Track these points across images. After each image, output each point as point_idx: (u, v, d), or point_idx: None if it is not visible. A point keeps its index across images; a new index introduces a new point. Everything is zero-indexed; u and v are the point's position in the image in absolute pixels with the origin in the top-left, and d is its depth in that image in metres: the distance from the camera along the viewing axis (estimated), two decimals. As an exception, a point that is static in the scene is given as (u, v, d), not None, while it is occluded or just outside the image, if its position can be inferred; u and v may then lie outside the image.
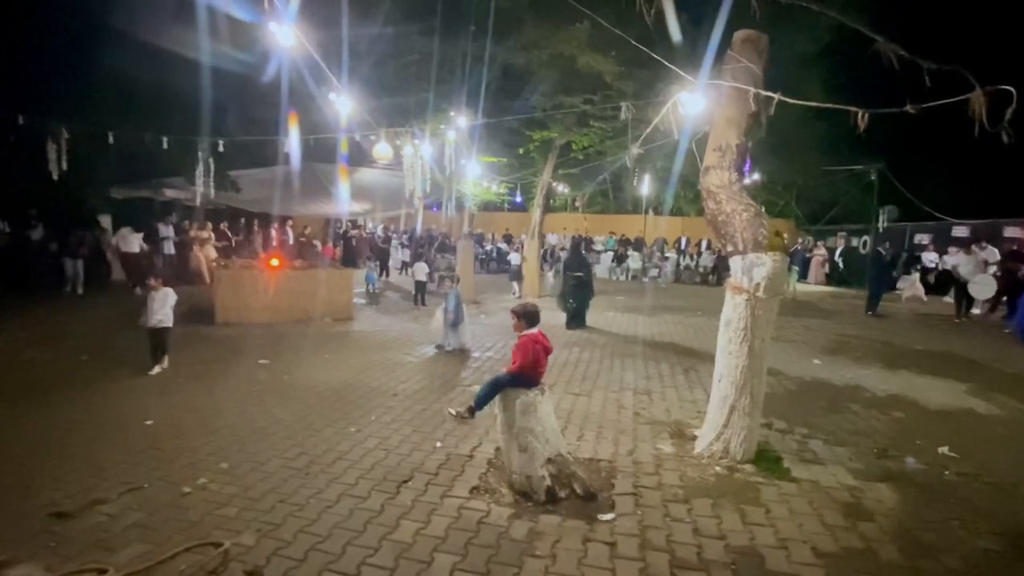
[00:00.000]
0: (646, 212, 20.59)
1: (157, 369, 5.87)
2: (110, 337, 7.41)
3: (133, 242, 11.97)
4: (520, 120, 11.18)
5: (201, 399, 5.08)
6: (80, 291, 11.00)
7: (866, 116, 3.61)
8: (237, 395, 5.25)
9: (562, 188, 18.41)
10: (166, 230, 12.86)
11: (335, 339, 8.05)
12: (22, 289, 10.38)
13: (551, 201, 15.87)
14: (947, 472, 4.05)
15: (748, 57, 4.28)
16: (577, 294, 9.44)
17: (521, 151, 13.48)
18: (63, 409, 4.64)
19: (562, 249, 21.61)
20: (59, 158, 8.03)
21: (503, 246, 21.14)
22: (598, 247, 22.46)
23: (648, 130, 5.75)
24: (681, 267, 19.12)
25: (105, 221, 12.84)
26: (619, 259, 19.29)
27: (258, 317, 8.77)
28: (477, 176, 12.39)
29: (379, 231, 21.79)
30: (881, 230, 16.64)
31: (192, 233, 13.31)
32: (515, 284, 13.76)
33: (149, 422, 4.45)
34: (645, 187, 13.55)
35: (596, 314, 11.04)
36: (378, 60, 9.47)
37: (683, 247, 20.51)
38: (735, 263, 4.01)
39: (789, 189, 20.64)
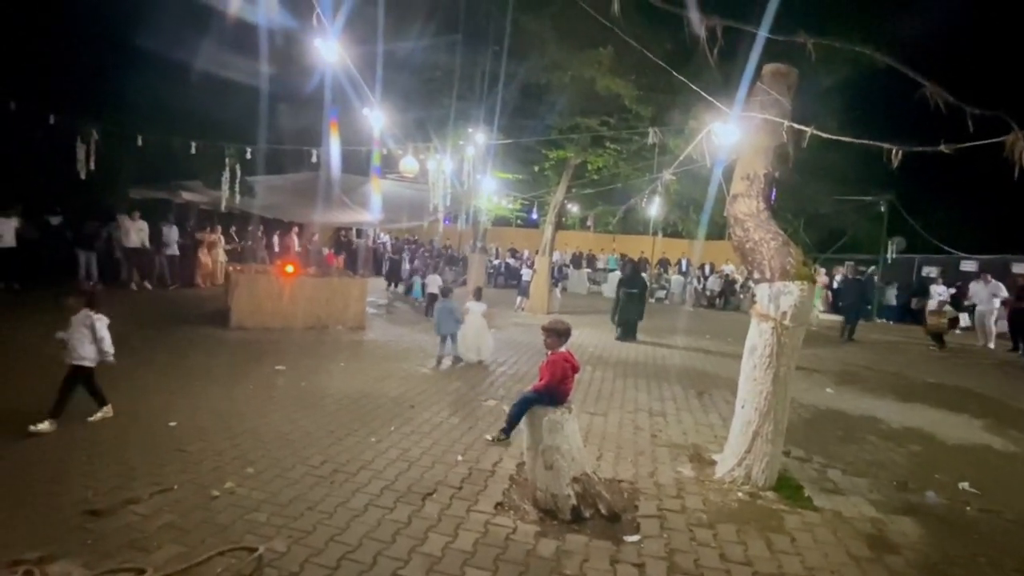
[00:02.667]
0: (654, 234, 20.72)
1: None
2: (126, 336, 7.41)
3: (133, 237, 11.86)
4: (536, 139, 11.35)
5: (221, 402, 5.11)
6: (92, 282, 11.07)
7: (899, 153, 3.70)
8: (256, 400, 5.28)
9: (572, 207, 18.58)
10: (168, 231, 12.91)
11: (349, 347, 8.09)
12: (38, 280, 10.47)
13: (563, 219, 15.99)
14: (969, 508, 4.05)
15: (777, 90, 4.40)
16: (632, 309, 10.51)
17: (536, 168, 13.65)
18: (89, 407, 4.66)
19: (565, 266, 21.75)
20: (87, 158, 8.16)
21: (511, 261, 21.27)
22: (600, 264, 22.59)
23: (681, 157, 5.85)
24: (687, 289, 19.17)
25: (122, 219, 12.95)
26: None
27: (272, 322, 8.82)
28: (492, 191, 12.53)
29: (388, 241, 21.95)
30: (889, 261, 16.73)
31: (200, 236, 13.43)
32: (519, 299, 13.83)
33: (172, 423, 4.48)
34: (656, 209, 13.70)
35: (606, 335, 11.09)
36: (404, 75, 9.67)
37: (684, 268, 20.59)
38: (762, 290, 4.07)
39: (798, 216, 20.77)
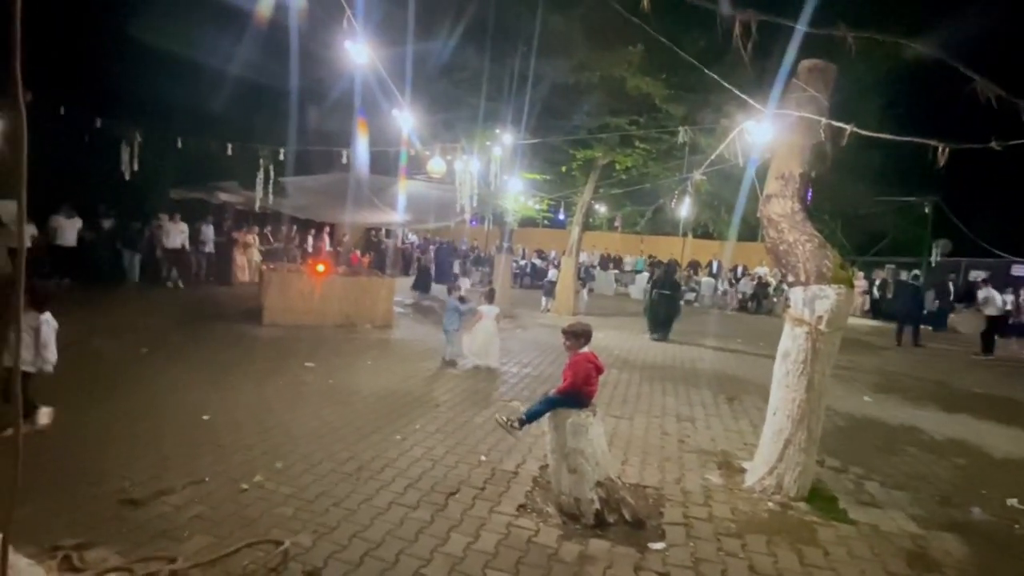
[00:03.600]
0: (684, 235, 20.36)
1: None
2: (166, 332, 7.73)
3: (176, 237, 12.43)
4: (564, 139, 11.28)
5: (253, 397, 5.24)
6: (136, 281, 11.59)
7: (946, 151, 3.52)
8: (287, 395, 5.39)
9: (599, 207, 18.43)
10: (206, 230, 13.41)
11: (376, 346, 8.19)
12: (89, 279, 11.01)
13: (590, 220, 15.87)
14: (1017, 526, 3.83)
15: (814, 86, 4.25)
16: (665, 309, 10.82)
17: (563, 169, 13.57)
18: (128, 400, 4.86)
19: (592, 267, 21.58)
20: (131, 160, 8.50)
21: (537, 261, 21.23)
22: (627, 266, 22.31)
23: (713, 156, 5.72)
24: (718, 292, 18.77)
25: (163, 220, 13.46)
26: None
27: (302, 320, 9.00)
28: (519, 192, 12.52)
29: (416, 241, 22.20)
30: (934, 264, 16.03)
31: (237, 235, 13.86)
32: (545, 300, 13.78)
33: (206, 417, 4.61)
34: (685, 210, 13.42)
35: (633, 337, 10.95)
36: (431, 76, 9.75)
37: (715, 271, 20.16)
38: (796, 294, 3.93)
39: (835, 217, 20.11)
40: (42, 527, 2.78)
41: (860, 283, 17.98)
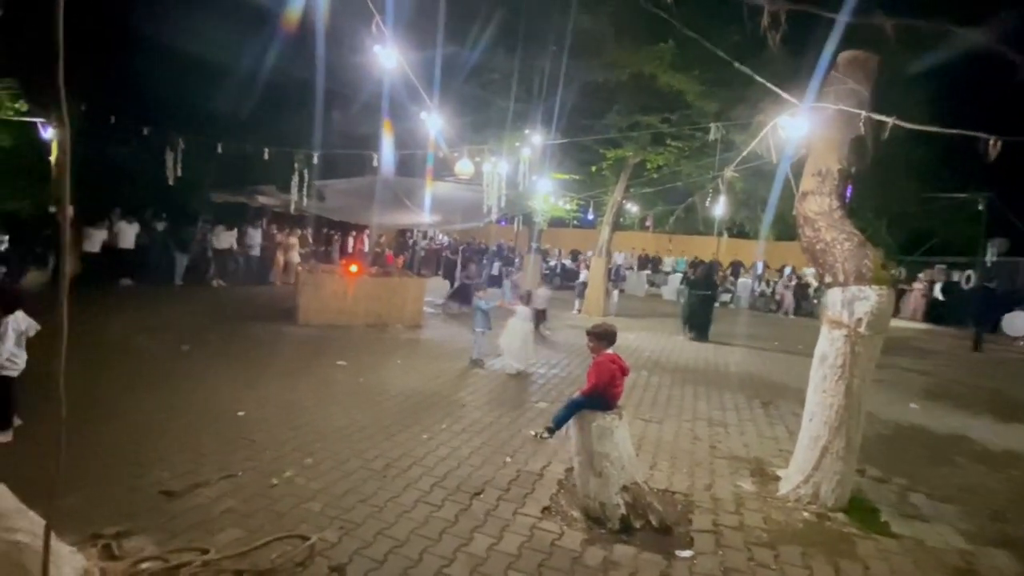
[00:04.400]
0: (719, 234, 19.84)
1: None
2: (206, 330, 8.02)
3: (225, 240, 13.08)
4: (594, 138, 11.18)
5: (286, 395, 5.37)
6: (179, 282, 12.11)
7: (998, 144, 3.31)
8: (318, 393, 5.51)
9: (631, 207, 18.15)
10: (255, 233, 13.92)
11: (406, 345, 8.29)
12: (146, 279, 11.66)
13: (620, 219, 15.67)
14: (1081, 546, 3.56)
15: (855, 78, 4.08)
16: (703, 310, 10.85)
17: (594, 169, 13.45)
18: (168, 395, 5.06)
19: (628, 268, 21.28)
20: (175, 165, 8.88)
21: (567, 262, 21.10)
22: (666, 267, 21.89)
23: (745, 152, 5.56)
24: (756, 293, 18.23)
25: (209, 226, 14.03)
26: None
27: (335, 319, 9.20)
28: (548, 192, 12.47)
29: (446, 241, 22.41)
30: (989, 264, 15.14)
31: (280, 238, 14.33)
32: (577, 301, 13.68)
33: (241, 413, 4.76)
34: (720, 208, 13.07)
35: (664, 338, 10.76)
36: (460, 79, 9.82)
37: (760, 272, 19.56)
38: (834, 295, 3.77)
39: (880, 216, 19.23)
40: (85, 516, 2.91)
41: (918, 286, 17.14)
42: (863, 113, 3.75)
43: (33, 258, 10.96)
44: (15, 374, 3.90)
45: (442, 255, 19.04)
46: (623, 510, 3.34)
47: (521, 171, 10.07)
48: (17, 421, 3.96)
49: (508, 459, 4.25)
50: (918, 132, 3.90)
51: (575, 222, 20.62)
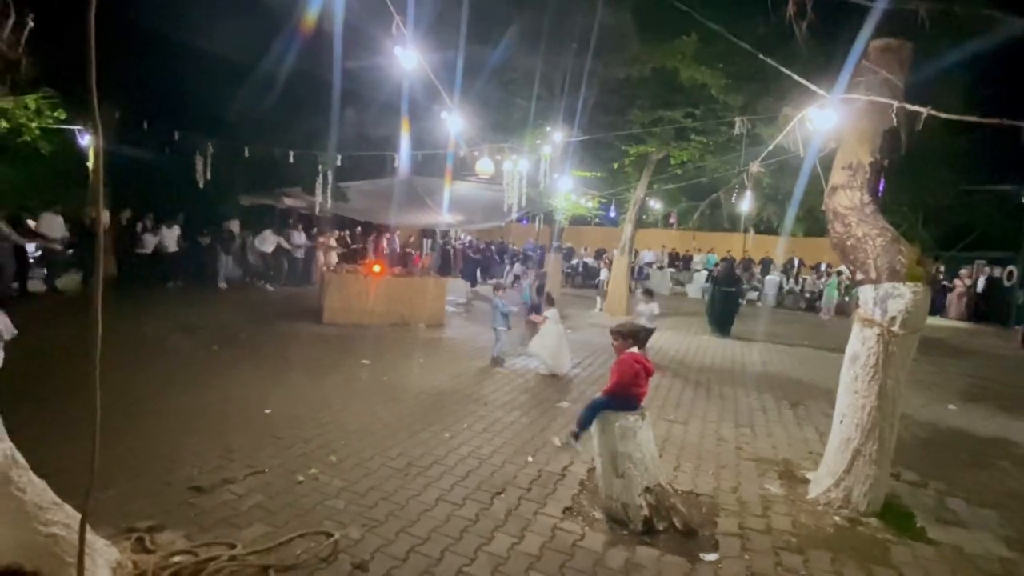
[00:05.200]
0: (745, 231, 19.42)
1: None
2: (236, 330, 8.22)
3: (270, 243, 13.46)
4: (616, 134, 11.05)
5: (312, 393, 5.47)
6: (223, 285, 12.54)
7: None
8: (343, 392, 5.59)
9: (654, 203, 17.92)
10: (299, 236, 14.29)
11: (429, 345, 8.35)
12: (190, 281, 12.18)
13: (643, 216, 15.47)
14: None
15: (887, 67, 3.92)
16: (725, 307, 10.95)
17: (616, 165, 13.30)
18: (198, 393, 5.20)
19: (659, 267, 21.02)
20: (204, 169, 9.12)
21: (589, 260, 20.93)
22: (697, 264, 21.50)
23: (771, 146, 5.42)
24: (784, 291, 17.79)
25: (234, 225, 14.41)
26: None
27: (359, 319, 9.33)
28: (569, 190, 12.39)
29: (469, 242, 22.49)
30: (1033, 260, 14.47)
31: (320, 239, 14.67)
32: (598, 299, 13.59)
33: (268, 411, 4.86)
34: (746, 204, 12.76)
35: (689, 337, 10.60)
36: (481, 77, 9.84)
37: (795, 269, 19.04)
38: (866, 292, 3.65)
39: (915, 210, 18.53)
40: (119, 510, 3.01)
41: (959, 283, 16.45)
42: (895, 103, 3.61)
43: (69, 261, 11.41)
44: None
45: (465, 254, 19.14)
46: (646, 512, 3.29)
47: (542, 169, 10.04)
48: None
49: (529, 459, 4.24)
50: (956, 122, 3.73)
51: (597, 220, 20.44)
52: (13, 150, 9.64)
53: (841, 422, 3.75)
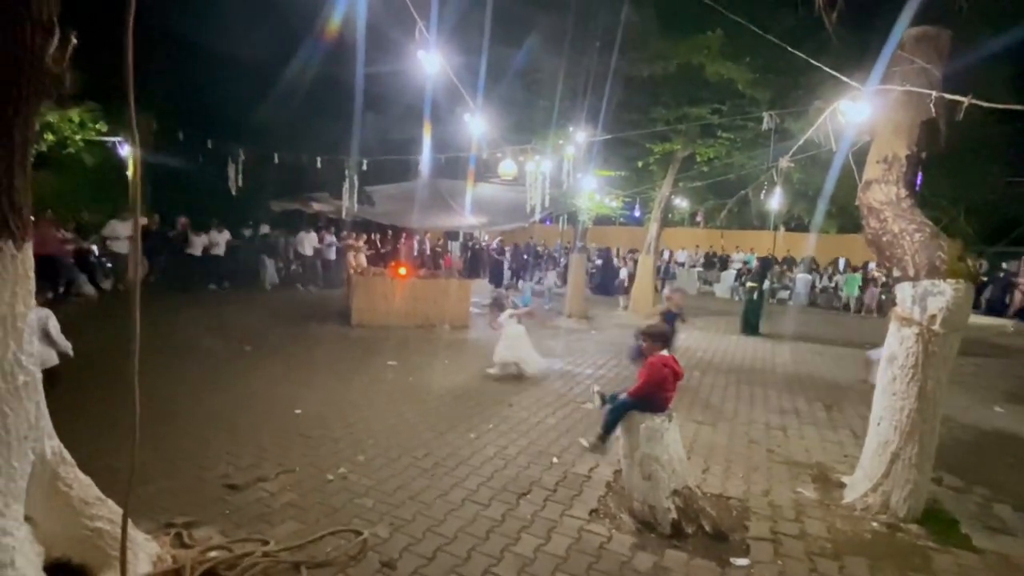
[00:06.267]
0: (776, 228, 18.93)
1: None
2: (267, 331, 8.44)
3: (308, 246, 13.86)
4: (640, 133, 10.94)
5: (340, 393, 5.57)
6: (268, 287, 13.01)
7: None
8: (370, 392, 5.68)
9: (679, 202, 17.63)
10: (331, 238, 14.65)
11: (453, 346, 8.41)
12: (237, 283, 12.66)
13: (669, 215, 15.24)
14: None
15: (924, 57, 3.78)
16: (758, 306, 11.12)
17: (640, 164, 13.16)
18: (231, 393, 5.35)
19: (694, 266, 20.72)
20: (236, 175, 9.40)
21: (615, 261, 20.72)
22: (735, 264, 21.01)
23: (801, 141, 5.28)
24: (817, 289, 17.30)
25: (265, 229, 14.82)
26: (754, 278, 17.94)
27: (386, 320, 9.45)
28: (593, 190, 12.31)
29: (493, 243, 22.57)
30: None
31: (350, 242, 15.00)
32: (622, 299, 13.48)
33: (298, 411, 4.97)
34: (776, 201, 12.43)
35: (718, 337, 10.42)
36: (503, 79, 9.87)
37: (842, 268, 18.40)
38: (904, 290, 3.52)
39: (957, 204, 17.77)
40: (158, 506, 3.13)
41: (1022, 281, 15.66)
42: (933, 93, 3.48)
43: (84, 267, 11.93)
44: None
45: (490, 256, 19.23)
46: (674, 514, 3.24)
47: (565, 169, 10.00)
48: None
49: (555, 459, 4.22)
50: (999, 111, 3.56)
51: (621, 219, 20.23)
52: (59, 161, 10.15)
53: (879, 424, 3.62)
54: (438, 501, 3.46)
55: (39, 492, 2.27)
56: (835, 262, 19.18)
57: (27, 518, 2.19)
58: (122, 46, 1.83)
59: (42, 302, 4.31)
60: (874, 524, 3.43)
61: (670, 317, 6.31)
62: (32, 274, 2.21)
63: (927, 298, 3.37)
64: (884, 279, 15.47)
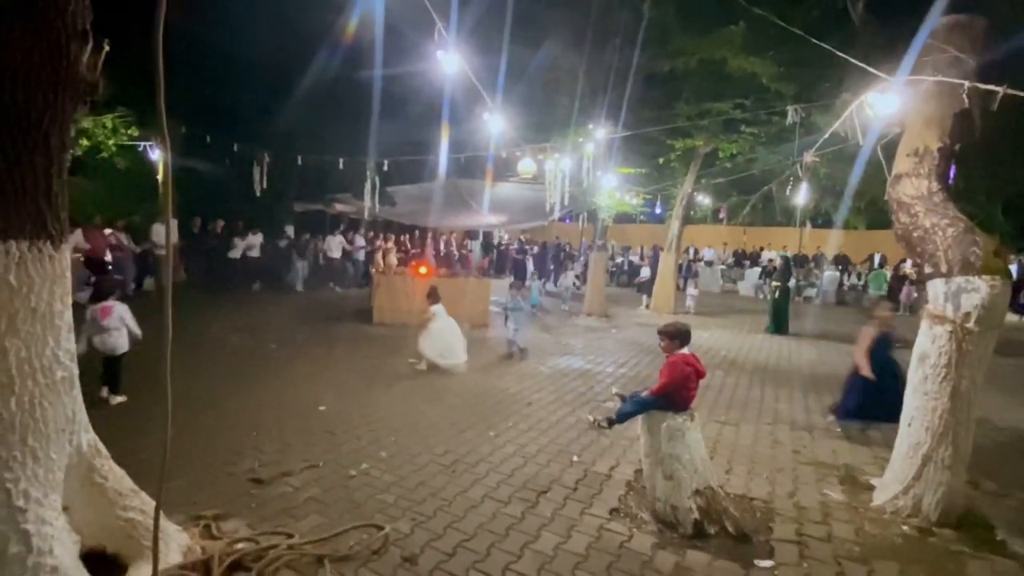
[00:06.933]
0: (802, 224, 18.52)
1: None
2: (293, 330, 8.61)
3: (336, 248, 14.17)
4: (661, 129, 10.82)
5: (362, 390, 5.65)
6: (300, 288, 13.33)
7: None
8: (391, 390, 5.75)
9: (702, 198, 17.39)
10: (360, 240, 14.89)
11: (473, 344, 8.38)
12: (271, 284, 13.03)
13: (691, 212, 15.01)
14: None
15: (957, 46, 3.66)
16: (784, 304, 10.96)
17: (661, 160, 13.01)
18: (257, 390, 5.48)
19: (723, 264, 20.44)
20: (261, 178, 9.61)
21: (635, 258, 20.55)
22: (764, 262, 20.60)
23: (827, 134, 5.16)
24: (845, 287, 16.88)
25: (289, 231, 15.12)
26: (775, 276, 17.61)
27: (407, 319, 9.51)
28: (613, 187, 12.22)
29: (511, 242, 22.61)
30: None
31: (379, 243, 15.23)
32: (644, 297, 13.35)
33: (322, 408, 5.06)
34: (802, 197, 12.14)
35: (742, 336, 10.25)
36: (522, 78, 9.87)
37: (879, 264, 17.87)
38: (935, 287, 3.41)
39: (993, 198, 17.10)
40: (188, 498, 3.22)
41: None
42: (967, 83, 3.36)
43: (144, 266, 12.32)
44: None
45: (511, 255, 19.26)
46: (696, 515, 3.20)
47: (585, 167, 9.95)
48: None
49: (575, 458, 4.21)
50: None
51: (642, 217, 20.04)
52: (92, 166, 10.51)
53: (909, 425, 3.52)
54: (458, 498, 3.49)
55: (76, 483, 2.36)
56: (870, 259, 18.60)
57: (64, 508, 2.28)
58: (152, 54, 1.89)
59: (119, 297, 5.14)
60: (904, 528, 3.33)
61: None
62: (69, 274, 2.30)
63: (961, 295, 3.26)
64: (916, 275, 14.97)
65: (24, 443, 2.10)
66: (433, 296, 7.17)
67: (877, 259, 18.12)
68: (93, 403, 2.57)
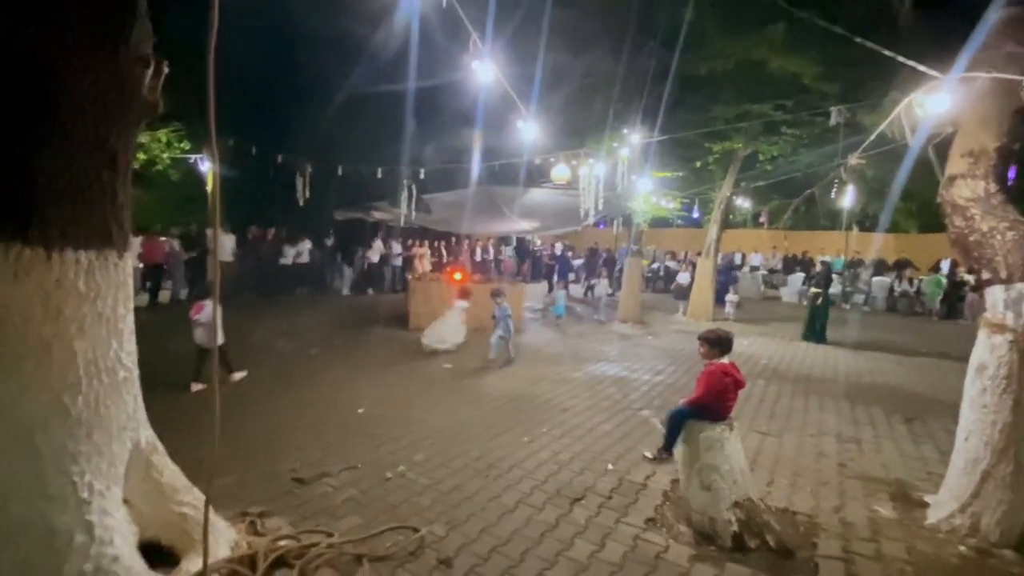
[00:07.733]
0: (848, 228, 17.76)
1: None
2: (332, 335, 8.86)
3: (376, 254, 14.71)
4: (698, 132, 10.63)
5: (399, 394, 5.76)
6: (346, 292, 13.95)
7: None
8: (427, 393, 5.84)
9: (741, 202, 16.95)
10: (397, 246, 15.32)
11: (507, 350, 8.47)
12: (317, 289, 13.73)
13: (730, 216, 14.65)
14: None
15: (1016, 41, 3.47)
16: (816, 311, 10.58)
17: (698, 164, 12.77)
18: (299, 393, 5.67)
19: (773, 271, 19.88)
20: (304, 188, 9.96)
21: (672, 264, 20.18)
22: (818, 267, 19.81)
23: (874, 136, 4.97)
24: (896, 293, 16.11)
25: (330, 239, 15.60)
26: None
27: (442, 324, 9.66)
28: (649, 191, 12.06)
29: (544, 248, 22.59)
30: None
31: (415, 249, 15.59)
32: (680, 304, 13.09)
33: (360, 410, 5.19)
34: (848, 199, 11.65)
35: (784, 344, 9.93)
36: (557, 84, 9.90)
37: (948, 271, 16.86)
38: (994, 294, 3.23)
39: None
40: (235, 496, 3.36)
41: None
42: (1027, 79, 3.19)
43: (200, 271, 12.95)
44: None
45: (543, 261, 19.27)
46: (735, 527, 3.12)
47: (619, 172, 9.87)
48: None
49: (610, 466, 4.17)
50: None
51: (679, 221, 19.68)
52: (148, 178, 11.14)
53: (966, 440, 3.34)
54: (492, 503, 3.51)
55: (135, 477, 2.51)
56: (936, 265, 17.44)
57: (125, 501, 2.43)
58: (204, 74, 2.01)
59: (195, 297, 6.04)
60: (961, 548, 3.15)
61: None
62: (131, 280, 2.45)
63: (1022, 302, 3.08)
64: (975, 283, 14.09)
65: (89, 439, 2.25)
66: (462, 293, 8.35)
67: (946, 265, 16.83)
68: (150, 401, 2.71)
